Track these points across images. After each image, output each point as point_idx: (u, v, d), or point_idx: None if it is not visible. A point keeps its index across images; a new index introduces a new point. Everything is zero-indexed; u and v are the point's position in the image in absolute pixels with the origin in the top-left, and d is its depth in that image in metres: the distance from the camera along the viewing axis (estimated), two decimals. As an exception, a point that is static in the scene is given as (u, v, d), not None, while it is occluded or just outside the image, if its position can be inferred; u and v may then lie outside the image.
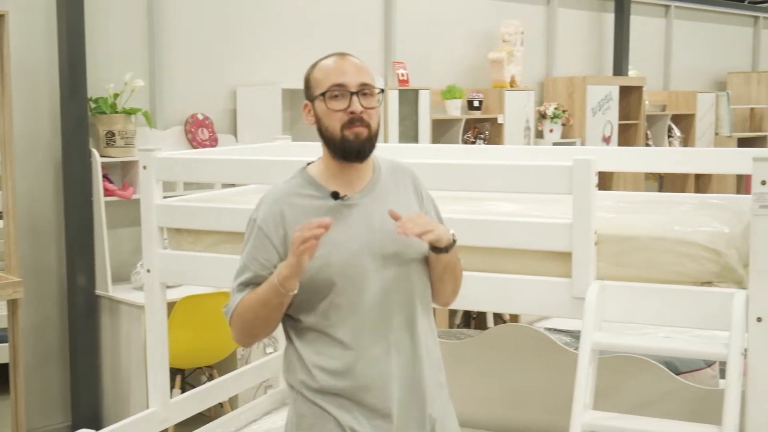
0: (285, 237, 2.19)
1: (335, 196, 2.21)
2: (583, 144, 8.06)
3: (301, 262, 2.05)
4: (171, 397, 3.72)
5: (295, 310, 2.21)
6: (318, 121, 2.23)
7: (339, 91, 2.17)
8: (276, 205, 2.23)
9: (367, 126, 2.18)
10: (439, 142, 7.08)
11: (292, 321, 2.24)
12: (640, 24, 9.56)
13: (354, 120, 2.16)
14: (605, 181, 8.10)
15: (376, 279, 2.18)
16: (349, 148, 2.18)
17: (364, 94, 2.19)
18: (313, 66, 2.27)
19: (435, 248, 2.21)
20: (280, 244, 2.20)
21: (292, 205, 2.22)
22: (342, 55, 2.26)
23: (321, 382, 2.20)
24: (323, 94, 2.18)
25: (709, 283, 2.71)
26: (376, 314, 2.18)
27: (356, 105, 2.16)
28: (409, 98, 6.73)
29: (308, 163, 2.31)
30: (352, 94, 2.17)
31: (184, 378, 5.01)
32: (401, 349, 2.22)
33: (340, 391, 2.20)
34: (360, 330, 2.18)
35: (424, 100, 6.77)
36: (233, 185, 4.15)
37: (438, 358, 2.35)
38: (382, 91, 2.26)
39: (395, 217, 2.10)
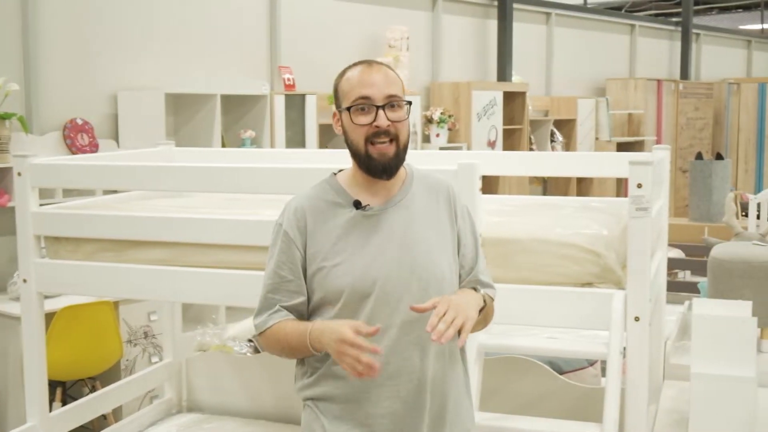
0: (305, 244, 2.16)
1: (357, 205, 2.17)
2: (469, 148, 8.17)
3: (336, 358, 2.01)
4: (51, 410, 3.61)
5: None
6: (345, 133, 2.18)
7: (364, 104, 2.11)
8: (300, 211, 2.19)
9: (395, 139, 2.13)
10: (326, 148, 7.07)
11: None
12: (522, 31, 9.76)
13: (379, 133, 2.11)
14: (491, 185, 8.24)
15: (385, 291, 2.12)
16: (375, 167, 2.13)
17: (392, 107, 2.12)
18: (342, 74, 2.20)
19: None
20: (303, 249, 2.16)
21: (315, 210, 2.18)
22: (369, 63, 2.18)
23: (317, 388, 2.18)
24: (349, 109, 2.13)
25: (589, 284, 2.78)
26: (382, 329, 2.09)
27: (382, 119, 2.10)
28: (295, 103, 6.70)
29: (339, 170, 2.27)
30: (378, 107, 2.11)
31: (65, 390, 4.85)
32: (405, 369, 2.15)
33: (335, 398, 2.16)
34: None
35: (311, 105, 6.75)
36: (115, 191, 4.04)
37: (461, 388, 2.28)
38: (410, 103, 2.19)
39: (419, 310, 2.02)
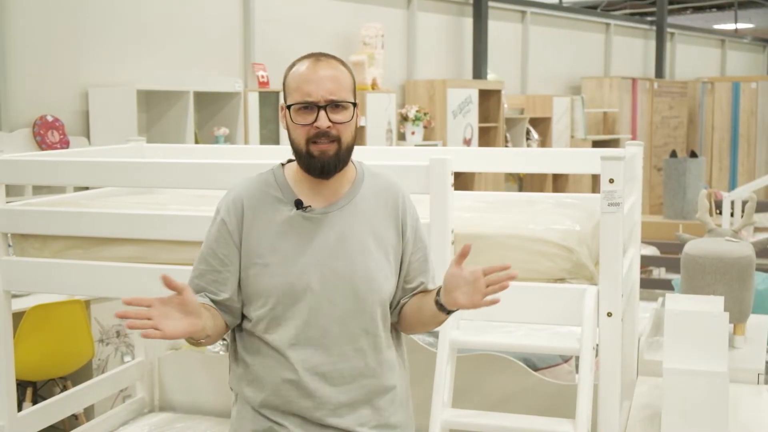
0: (241, 238, 2.10)
1: (298, 205, 2.10)
2: (444, 146, 8.17)
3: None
4: (20, 410, 3.55)
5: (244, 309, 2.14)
6: (288, 130, 2.11)
7: (306, 103, 2.04)
8: (239, 203, 2.12)
9: (336, 140, 2.05)
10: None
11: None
12: (497, 29, 9.77)
13: (320, 134, 2.04)
14: (467, 182, 8.24)
15: (317, 299, 2.07)
16: (313, 165, 2.06)
17: (335, 107, 2.05)
18: (290, 68, 2.13)
19: (441, 307, 2.08)
20: (239, 242, 2.10)
21: (254, 203, 2.12)
22: (317, 60, 2.10)
23: (251, 393, 2.13)
24: (290, 107, 2.06)
25: (562, 280, 2.77)
26: (313, 336, 2.07)
27: (323, 120, 2.03)
28: (270, 101, 6.66)
29: (289, 160, 2.18)
30: (319, 108, 2.04)
31: (35, 390, 4.80)
32: (338, 374, 2.11)
33: (261, 403, 2.12)
34: (294, 348, 2.08)
35: (285, 103, 6.71)
36: (85, 188, 4.00)
37: (402, 398, 2.23)
38: (356, 104, 2.11)
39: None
